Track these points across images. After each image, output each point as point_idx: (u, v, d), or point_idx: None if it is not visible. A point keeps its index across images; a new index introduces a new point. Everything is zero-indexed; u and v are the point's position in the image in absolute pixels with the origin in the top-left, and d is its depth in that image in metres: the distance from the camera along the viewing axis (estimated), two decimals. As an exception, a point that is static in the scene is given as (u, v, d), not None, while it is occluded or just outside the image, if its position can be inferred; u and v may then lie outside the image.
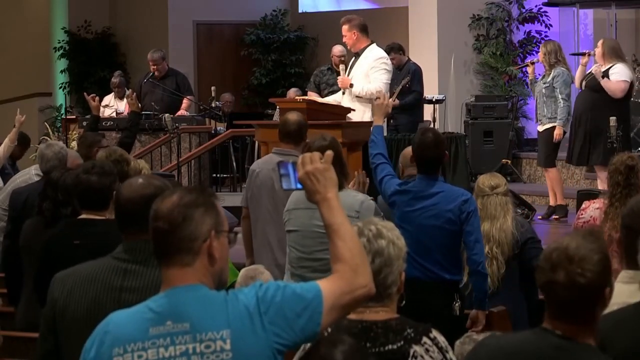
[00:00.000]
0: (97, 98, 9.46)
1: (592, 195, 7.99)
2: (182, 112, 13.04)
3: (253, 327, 2.80)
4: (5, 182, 8.67)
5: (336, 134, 8.34)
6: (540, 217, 10.62)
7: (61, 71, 17.18)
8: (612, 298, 3.43)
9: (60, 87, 17.01)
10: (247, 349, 2.79)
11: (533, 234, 6.33)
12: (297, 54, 17.13)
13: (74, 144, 9.82)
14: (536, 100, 10.83)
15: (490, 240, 6.22)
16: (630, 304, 3.23)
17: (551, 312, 2.87)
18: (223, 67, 17.43)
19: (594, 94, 10.49)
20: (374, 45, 9.46)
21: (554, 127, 10.61)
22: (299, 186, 2.98)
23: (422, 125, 12.66)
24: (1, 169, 11.21)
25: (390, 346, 3.39)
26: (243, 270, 5.38)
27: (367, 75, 9.25)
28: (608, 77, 10.36)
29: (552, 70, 10.60)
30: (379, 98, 6.56)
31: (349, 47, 9.60)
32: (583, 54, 10.99)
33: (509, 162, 13.01)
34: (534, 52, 14.48)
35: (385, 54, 9.59)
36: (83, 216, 4.73)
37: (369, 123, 8.90)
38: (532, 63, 10.96)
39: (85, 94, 10.05)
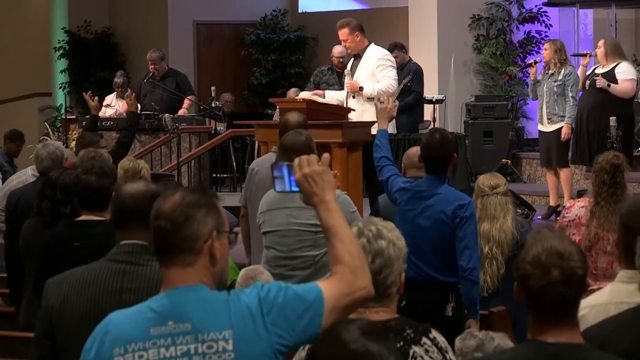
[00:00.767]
0: (96, 98, 9.46)
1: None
2: (183, 111, 13.04)
3: (255, 328, 2.80)
4: (4, 181, 8.68)
5: (336, 134, 8.36)
6: (540, 217, 10.62)
7: (61, 71, 17.18)
8: (611, 298, 3.45)
9: (60, 87, 17.01)
10: (249, 350, 2.79)
11: None
12: (297, 54, 17.13)
13: (73, 144, 9.81)
14: (542, 100, 10.77)
15: (490, 240, 6.21)
16: (630, 306, 3.23)
17: (542, 319, 2.85)
18: (223, 67, 17.43)
19: (598, 94, 10.47)
20: (373, 44, 9.47)
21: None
22: (295, 189, 2.97)
23: (422, 125, 12.68)
24: (0, 168, 11.23)
25: (390, 346, 3.39)
26: (243, 270, 5.38)
27: (373, 75, 9.26)
28: (615, 79, 10.35)
29: (563, 69, 10.56)
30: (383, 102, 6.55)
31: (350, 51, 9.59)
32: (584, 55, 10.97)
33: (509, 162, 13.00)
34: (534, 52, 14.48)
35: (387, 51, 9.61)
36: (82, 217, 4.73)
37: (369, 123, 8.90)
38: (536, 62, 10.93)
39: (84, 93, 10.05)
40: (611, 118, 10.00)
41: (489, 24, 14.62)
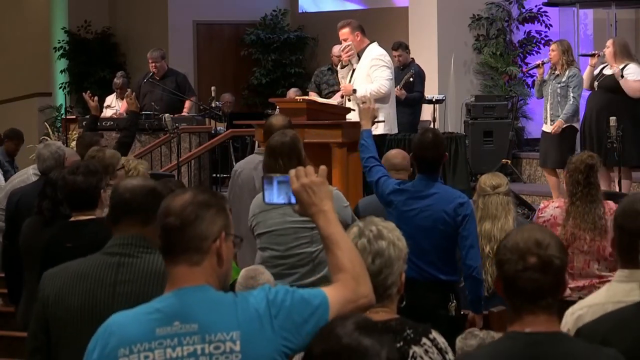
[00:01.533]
0: (95, 98, 9.46)
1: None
2: (184, 112, 13.06)
3: (262, 330, 2.81)
4: (5, 180, 8.68)
5: (336, 134, 8.37)
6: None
7: (61, 71, 17.18)
8: (608, 297, 3.45)
9: (60, 87, 17.01)
10: (256, 351, 2.80)
11: None
12: (297, 54, 17.13)
13: (73, 144, 9.82)
14: (546, 100, 10.76)
15: (491, 240, 6.22)
16: (630, 303, 3.23)
17: (517, 308, 2.86)
18: (223, 67, 17.43)
19: (607, 94, 10.45)
20: (374, 44, 9.46)
21: (569, 127, 10.59)
22: (292, 200, 2.98)
23: (421, 125, 12.68)
24: (1, 167, 11.23)
25: (389, 347, 3.38)
26: (243, 270, 5.38)
27: (368, 75, 9.25)
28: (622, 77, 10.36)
29: (568, 70, 10.55)
30: (365, 102, 6.57)
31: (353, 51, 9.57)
32: (592, 55, 10.94)
33: (509, 162, 13.00)
34: (534, 52, 14.48)
35: (383, 51, 9.58)
36: (73, 218, 4.75)
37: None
38: (543, 63, 10.90)
39: (83, 93, 10.05)
40: (611, 118, 9.98)
41: (489, 24, 14.62)
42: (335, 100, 9.64)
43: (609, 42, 10.68)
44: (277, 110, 9.80)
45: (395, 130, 9.74)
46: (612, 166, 10.46)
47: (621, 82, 10.30)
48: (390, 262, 3.48)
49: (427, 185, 5.81)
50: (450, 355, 3.47)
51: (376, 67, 9.22)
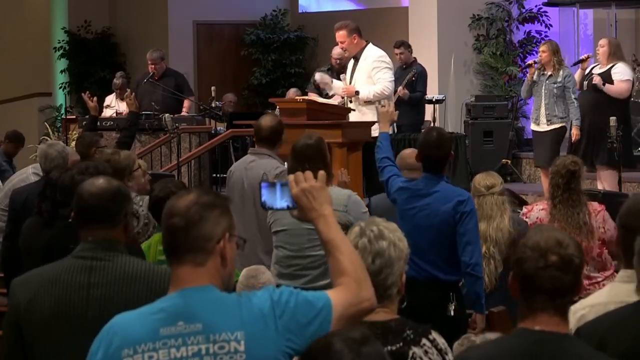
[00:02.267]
0: (95, 99, 9.45)
1: (591, 195, 7.98)
2: (183, 112, 13.07)
3: (267, 330, 2.82)
4: (3, 181, 8.67)
5: (336, 134, 8.37)
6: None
7: (61, 71, 17.18)
8: (611, 297, 3.45)
9: (60, 87, 17.01)
10: (260, 352, 2.80)
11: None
12: (297, 54, 17.12)
13: (73, 144, 9.81)
14: (539, 101, 10.77)
15: (487, 239, 6.21)
16: (629, 303, 3.23)
17: (533, 306, 2.88)
18: (223, 67, 17.43)
19: (596, 94, 10.51)
20: (370, 45, 9.45)
21: (563, 127, 10.62)
22: (291, 204, 2.99)
23: (422, 125, 12.68)
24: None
25: (389, 347, 3.38)
26: (244, 270, 5.39)
27: (369, 77, 9.24)
28: (611, 80, 10.37)
29: (562, 70, 10.58)
30: (384, 106, 6.56)
31: (346, 53, 9.58)
32: (582, 61, 10.98)
33: (509, 162, 13.01)
34: (534, 52, 14.47)
35: (382, 52, 9.58)
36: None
37: (369, 123, 8.91)
38: (535, 63, 10.92)
39: (83, 94, 10.04)
40: (611, 118, 10.00)
41: (489, 24, 14.62)
42: (335, 100, 9.63)
43: (604, 42, 10.73)
44: (277, 110, 9.80)
45: (393, 131, 9.76)
46: (603, 165, 10.48)
47: (605, 90, 10.35)
48: (391, 263, 3.48)
49: (430, 184, 5.81)
50: (450, 356, 3.47)
51: (378, 68, 9.22)
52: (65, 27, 17.34)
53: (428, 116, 13.25)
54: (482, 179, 6.35)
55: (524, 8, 14.69)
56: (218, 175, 13.21)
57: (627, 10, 14.44)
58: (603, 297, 3.52)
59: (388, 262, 3.48)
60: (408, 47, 12.54)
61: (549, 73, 10.64)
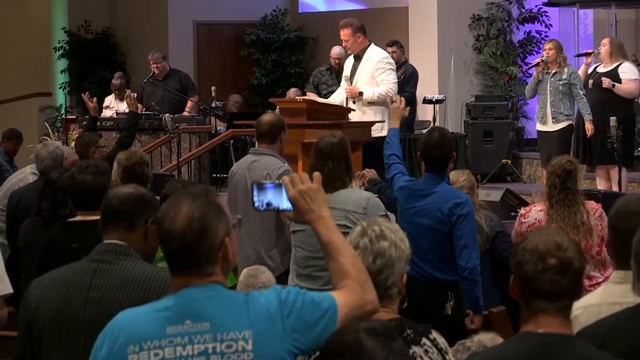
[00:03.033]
0: (94, 99, 9.46)
1: (591, 195, 7.99)
2: (186, 113, 13.09)
3: (274, 329, 2.82)
4: (4, 180, 8.67)
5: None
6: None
7: (61, 71, 17.18)
8: (603, 298, 3.45)
9: (60, 87, 17.00)
10: (267, 351, 2.80)
11: (502, 227, 6.34)
12: (297, 54, 17.12)
13: (73, 144, 9.82)
14: (544, 99, 10.75)
15: None
16: (627, 306, 3.23)
17: (534, 308, 2.87)
18: (223, 67, 17.42)
19: (600, 93, 10.49)
20: (373, 45, 9.45)
21: (570, 125, 10.61)
22: (284, 207, 2.97)
23: (422, 125, 12.69)
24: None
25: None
26: (245, 270, 5.39)
27: (372, 78, 9.24)
28: (618, 79, 10.37)
29: (566, 68, 10.58)
30: (395, 102, 6.54)
31: (349, 51, 9.57)
32: (587, 54, 10.96)
33: (509, 162, 13.00)
34: (534, 52, 14.48)
35: (386, 53, 9.60)
36: (78, 217, 4.73)
37: (369, 123, 8.91)
38: (542, 61, 10.90)
39: (82, 94, 10.04)
40: (611, 118, 10.00)
41: (489, 24, 14.62)
42: (334, 96, 9.63)
43: (606, 41, 10.73)
44: (277, 110, 9.80)
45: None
46: (606, 164, 10.48)
47: (615, 90, 10.35)
48: (391, 263, 3.48)
49: (431, 184, 5.82)
50: (450, 355, 3.47)
51: (382, 70, 9.23)
52: (65, 27, 17.34)
53: (428, 116, 13.25)
54: (452, 176, 6.30)
55: (524, 8, 14.69)
56: (218, 175, 13.21)
57: (627, 10, 14.44)
58: (596, 298, 3.52)
59: (389, 263, 3.48)
60: (401, 46, 12.57)
61: (554, 71, 10.63)
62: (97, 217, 4.61)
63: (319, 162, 5.66)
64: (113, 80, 13.82)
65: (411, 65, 12.48)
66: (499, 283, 6.22)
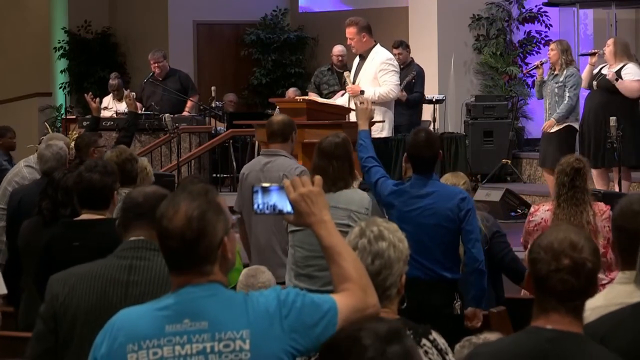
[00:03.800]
0: (97, 99, 9.46)
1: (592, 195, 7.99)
2: (186, 113, 13.09)
3: (272, 329, 2.81)
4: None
5: (336, 134, 8.35)
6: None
7: (61, 71, 17.18)
8: (610, 299, 3.44)
9: (60, 87, 17.00)
10: (265, 351, 2.80)
11: (498, 227, 6.35)
12: (297, 54, 17.12)
13: (73, 144, 9.81)
14: (546, 101, 10.76)
15: None
16: (629, 304, 3.23)
17: (545, 306, 2.86)
18: (223, 67, 17.42)
19: (606, 94, 10.45)
20: (378, 45, 9.44)
21: (567, 127, 10.60)
22: (285, 210, 2.96)
23: (422, 125, 12.67)
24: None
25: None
26: (245, 270, 5.39)
27: (375, 78, 9.23)
28: (621, 78, 10.35)
29: (566, 70, 10.55)
30: (363, 103, 6.53)
31: (354, 50, 9.56)
32: (592, 54, 10.94)
33: (509, 162, 13.01)
34: (534, 52, 14.48)
35: (391, 55, 9.59)
36: (83, 216, 4.73)
37: (372, 123, 8.91)
38: (542, 63, 10.89)
39: (85, 95, 10.04)
40: (611, 118, 9.98)
41: (489, 24, 14.62)
42: (338, 100, 9.63)
43: (610, 41, 10.70)
44: (277, 110, 9.80)
45: (392, 133, 9.79)
46: (612, 166, 10.46)
47: (617, 84, 10.32)
48: (390, 264, 3.48)
49: (424, 184, 5.84)
50: (450, 356, 3.47)
51: (385, 71, 9.23)
52: (65, 27, 17.34)
53: (428, 116, 13.25)
54: (448, 179, 6.32)
55: (524, 8, 14.69)
56: (218, 175, 13.22)
57: (627, 10, 14.43)
58: (603, 299, 3.51)
59: (387, 263, 3.47)
60: (407, 47, 12.53)
61: (555, 72, 10.63)
62: (102, 217, 4.65)
63: (323, 162, 5.68)
64: (110, 81, 13.82)
65: (418, 65, 12.45)
66: (494, 284, 6.22)
